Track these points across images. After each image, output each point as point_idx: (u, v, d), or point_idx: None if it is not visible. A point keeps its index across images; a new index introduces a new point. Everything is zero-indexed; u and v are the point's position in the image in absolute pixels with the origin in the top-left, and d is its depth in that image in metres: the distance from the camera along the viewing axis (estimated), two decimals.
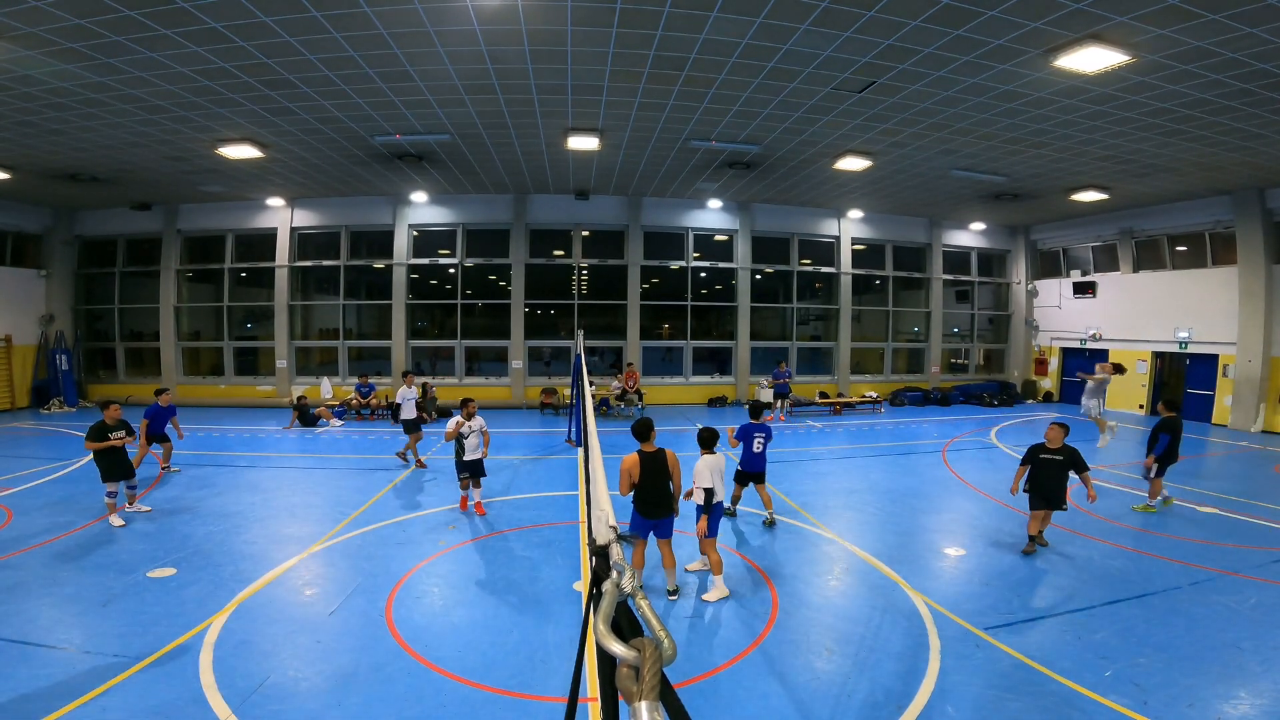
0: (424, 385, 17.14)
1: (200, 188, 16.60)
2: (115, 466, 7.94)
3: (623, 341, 19.76)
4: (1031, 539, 7.30)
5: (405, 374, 11.68)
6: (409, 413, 11.10)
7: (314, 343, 20.29)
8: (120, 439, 7.99)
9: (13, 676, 4.49)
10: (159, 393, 10.65)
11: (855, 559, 7.09)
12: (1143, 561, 6.96)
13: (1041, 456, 7.22)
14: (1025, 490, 7.36)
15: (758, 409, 8.15)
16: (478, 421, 8.54)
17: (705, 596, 5.95)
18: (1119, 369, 11.24)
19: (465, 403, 8.63)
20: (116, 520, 7.86)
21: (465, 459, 8.34)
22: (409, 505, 8.89)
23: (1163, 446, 8.87)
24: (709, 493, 5.98)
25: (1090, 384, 10.86)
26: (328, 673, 4.66)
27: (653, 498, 5.81)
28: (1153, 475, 8.93)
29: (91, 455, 8.00)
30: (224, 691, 4.36)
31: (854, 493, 9.80)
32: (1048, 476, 7.17)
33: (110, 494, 7.95)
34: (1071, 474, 7.20)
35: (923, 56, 8.62)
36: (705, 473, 6.09)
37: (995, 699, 4.39)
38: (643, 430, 5.99)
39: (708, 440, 6.33)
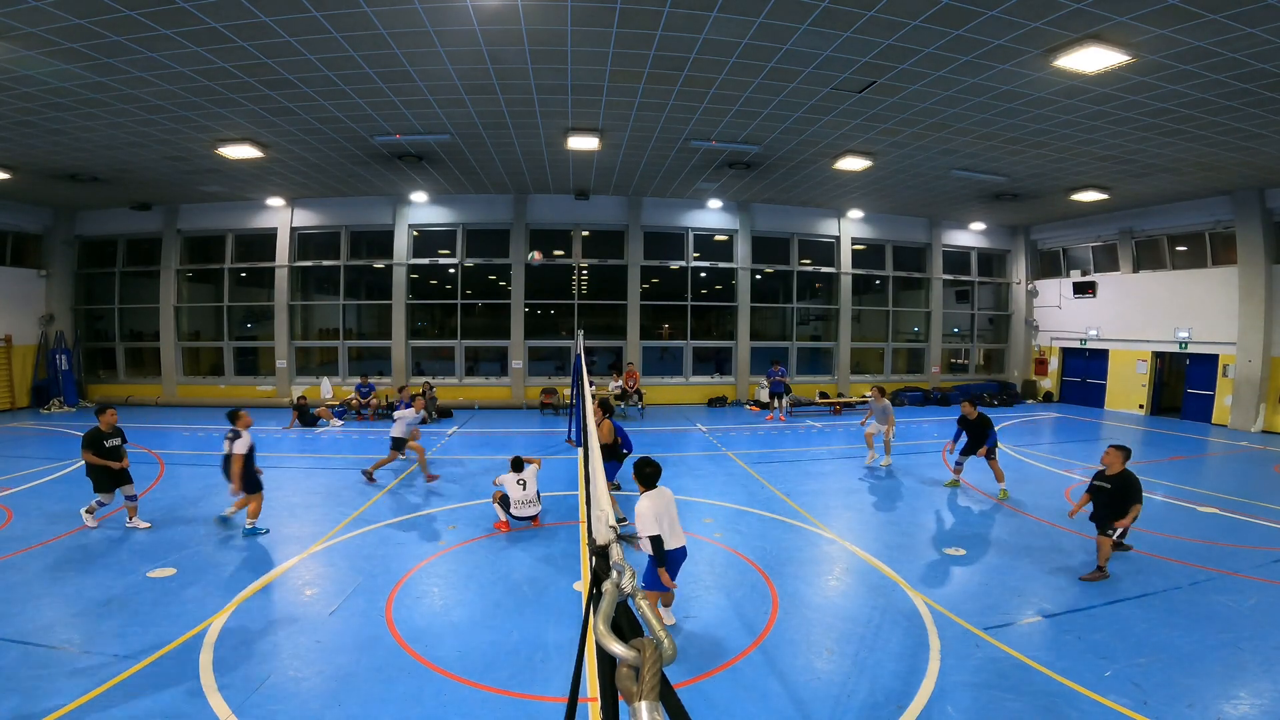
0: (425, 386, 17.15)
1: (200, 188, 16.60)
2: (109, 476, 7.64)
3: (623, 341, 19.75)
4: (1099, 568, 6.52)
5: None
6: (399, 431, 10.15)
7: (314, 343, 20.29)
8: (116, 446, 7.71)
9: (13, 676, 4.49)
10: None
11: (855, 559, 7.09)
12: (1142, 561, 6.95)
13: (1095, 484, 6.74)
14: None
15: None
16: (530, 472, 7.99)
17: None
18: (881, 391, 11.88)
19: (518, 463, 8.09)
20: (90, 521, 7.65)
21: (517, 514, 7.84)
22: (409, 505, 8.89)
23: (993, 440, 9.62)
24: (656, 541, 4.86)
25: (878, 406, 11.53)
26: (328, 673, 4.66)
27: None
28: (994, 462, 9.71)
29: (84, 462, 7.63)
30: (224, 691, 4.36)
31: (854, 493, 9.80)
32: (1099, 504, 6.65)
33: (101, 503, 7.69)
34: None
35: (923, 56, 8.62)
36: (648, 516, 4.86)
37: (995, 699, 4.39)
38: (607, 404, 9.21)
39: (650, 476, 5.18)
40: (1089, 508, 6.83)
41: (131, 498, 7.83)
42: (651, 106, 10.89)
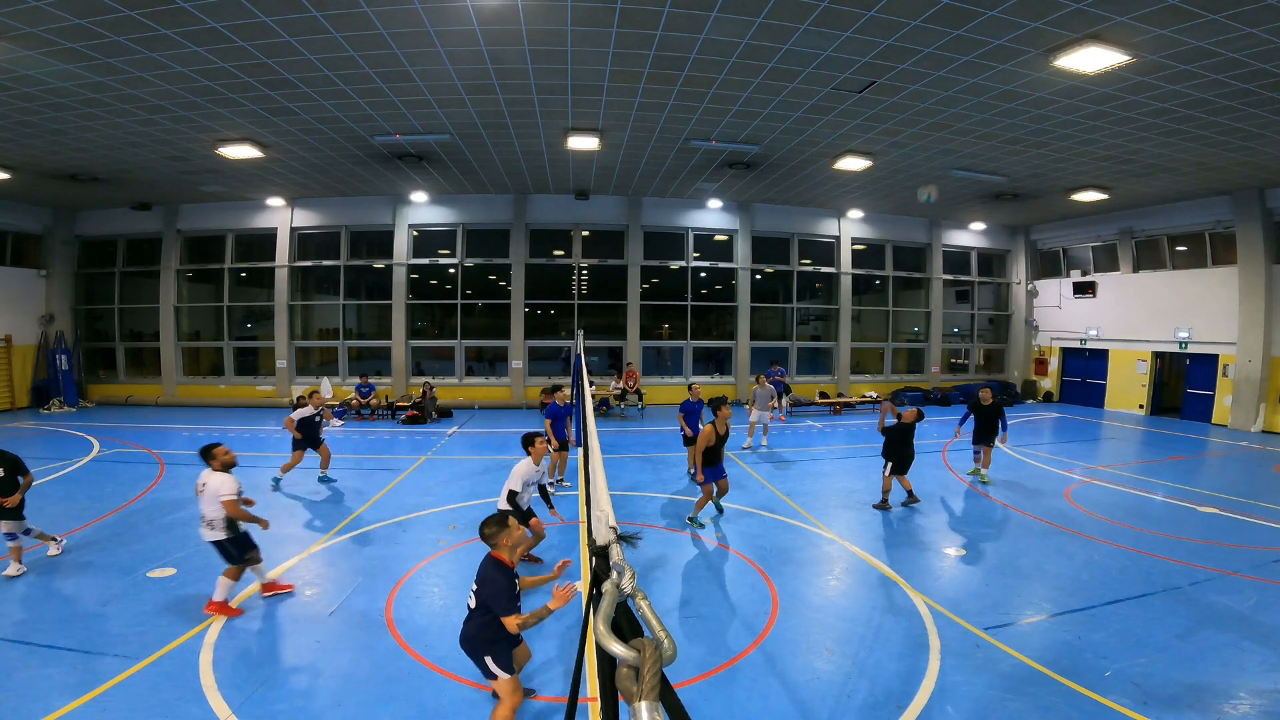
0: (425, 385, 17.15)
1: (200, 188, 16.60)
2: None
3: (623, 341, 19.75)
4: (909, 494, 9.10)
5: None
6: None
7: (314, 343, 20.29)
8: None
9: (13, 676, 4.49)
10: (554, 390, 10.35)
11: (855, 559, 7.09)
12: (1143, 561, 6.96)
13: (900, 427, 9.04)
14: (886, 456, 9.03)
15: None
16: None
17: None
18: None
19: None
20: (54, 548, 6.80)
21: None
22: (409, 505, 8.89)
23: (971, 425, 10.77)
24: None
25: (761, 393, 12.99)
26: (328, 673, 4.66)
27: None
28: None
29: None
30: (224, 691, 4.36)
31: (854, 493, 9.80)
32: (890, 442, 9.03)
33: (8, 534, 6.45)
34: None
35: (923, 56, 8.62)
36: None
37: (995, 699, 4.39)
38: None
39: None
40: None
41: (11, 535, 6.43)
42: (651, 106, 10.89)
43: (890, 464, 8.90)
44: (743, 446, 12.95)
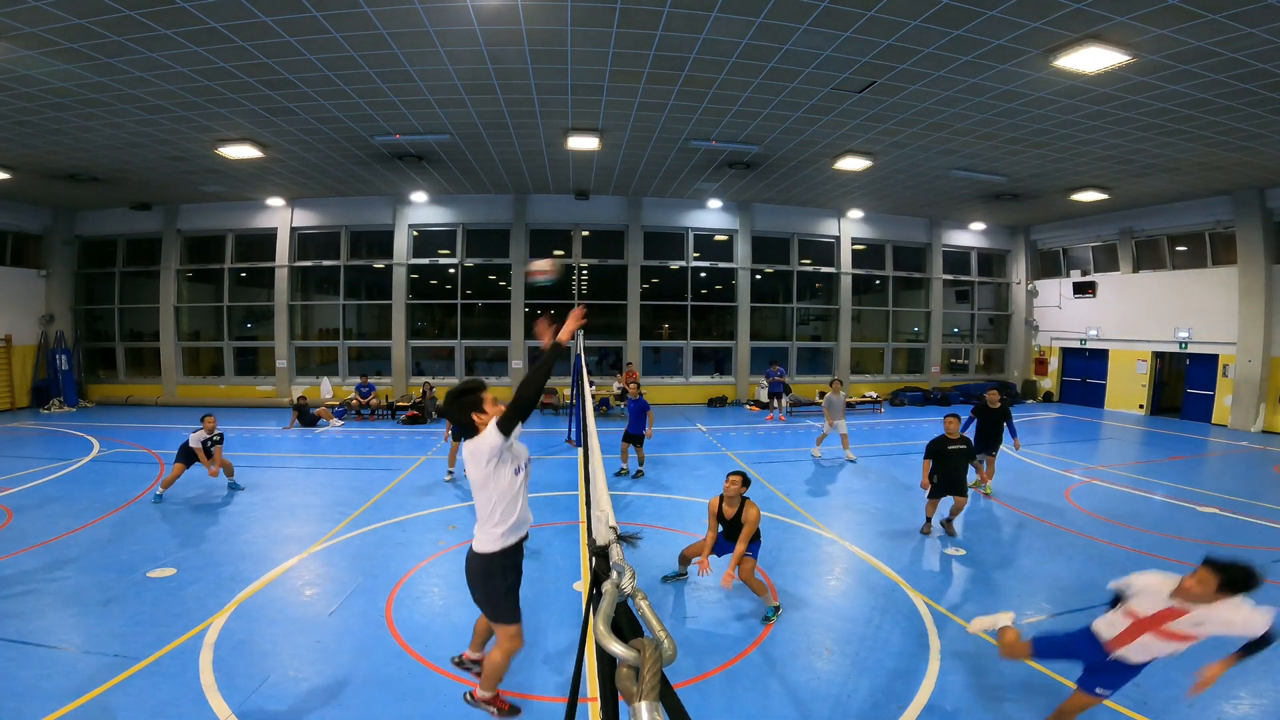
0: (425, 386, 17.15)
1: (200, 188, 16.60)
2: None
3: (623, 341, 19.76)
4: (928, 521, 7.88)
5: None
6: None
7: (314, 343, 20.29)
8: None
9: (13, 676, 4.49)
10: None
11: (855, 559, 7.09)
12: (1143, 561, 6.95)
13: (949, 449, 7.72)
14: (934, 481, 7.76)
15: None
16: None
17: None
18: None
19: None
20: None
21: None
22: (409, 505, 8.88)
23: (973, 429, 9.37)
24: None
25: (835, 400, 11.88)
26: (328, 673, 4.65)
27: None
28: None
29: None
30: (224, 691, 4.36)
31: (854, 493, 9.80)
32: (952, 466, 7.69)
33: None
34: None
35: (923, 56, 8.62)
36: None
37: (995, 699, 4.39)
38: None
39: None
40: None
41: None
42: (651, 106, 10.89)
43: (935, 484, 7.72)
44: (812, 453, 12.30)
